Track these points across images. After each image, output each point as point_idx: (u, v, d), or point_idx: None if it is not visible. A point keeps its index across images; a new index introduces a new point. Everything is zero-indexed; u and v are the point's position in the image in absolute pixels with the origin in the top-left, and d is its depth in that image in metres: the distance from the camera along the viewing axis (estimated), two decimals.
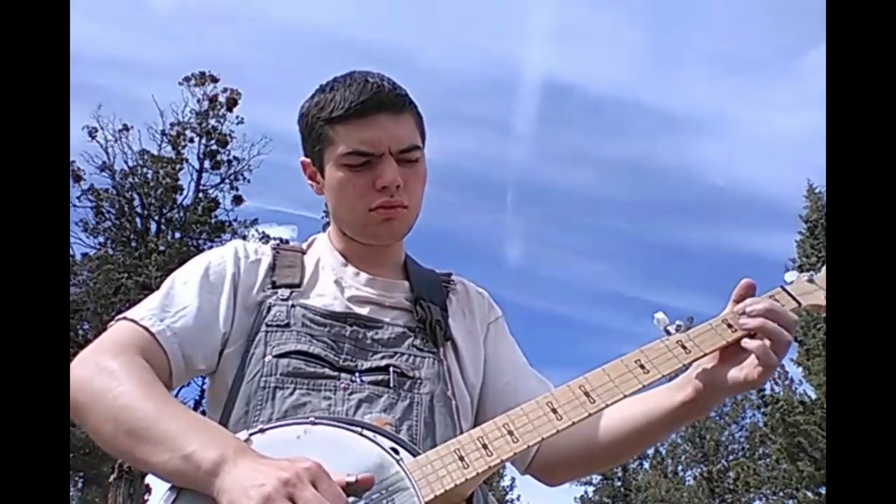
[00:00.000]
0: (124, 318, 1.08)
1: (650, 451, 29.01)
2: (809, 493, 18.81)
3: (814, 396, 18.04)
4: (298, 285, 1.17)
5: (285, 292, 1.15)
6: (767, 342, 1.00)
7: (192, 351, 1.07)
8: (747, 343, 1.01)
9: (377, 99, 1.12)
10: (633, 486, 30.30)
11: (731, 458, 26.77)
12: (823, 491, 17.39)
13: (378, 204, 1.14)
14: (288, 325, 1.10)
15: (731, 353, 1.04)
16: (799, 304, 1.08)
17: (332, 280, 1.19)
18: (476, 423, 1.14)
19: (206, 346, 1.09)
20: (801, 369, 18.28)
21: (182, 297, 1.11)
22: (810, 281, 1.11)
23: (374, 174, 1.12)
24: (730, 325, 1.05)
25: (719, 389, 1.04)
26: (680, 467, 29.47)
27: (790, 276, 1.11)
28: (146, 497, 0.91)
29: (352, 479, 0.84)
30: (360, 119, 1.11)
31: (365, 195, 1.14)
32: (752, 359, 1.01)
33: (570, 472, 1.22)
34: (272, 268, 1.19)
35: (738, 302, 1.07)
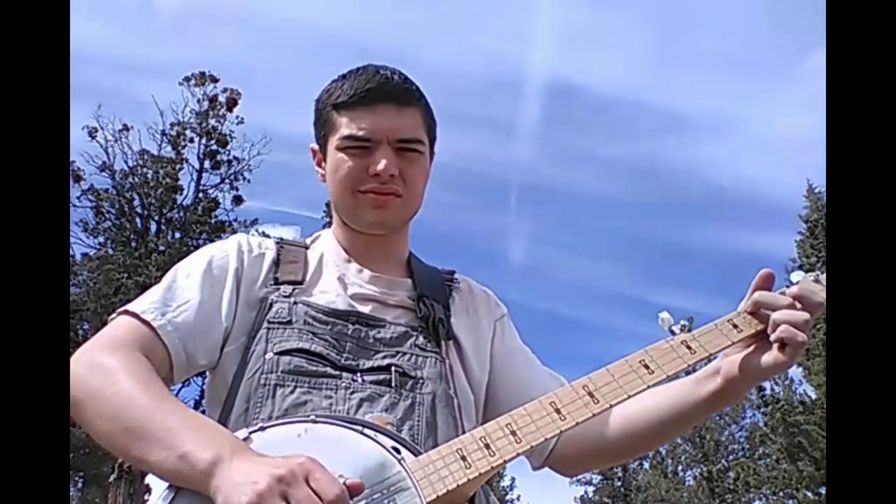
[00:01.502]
0: (125, 311, 1.07)
1: (650, 451, 29.01)
2: (809, 493, 18.80)
3: (814, 396, 18.03)
4: (301, 282, 1.17)
5: (288, 289, 1.15)
6: (791, 326, 1.00)
7: (193, 346, 1.06)
8: (774, 336, 1.01)
9: (383, 89, 1.14)
10: (633, 486, 30.28)
11: (731, 458, 26.76)
12: (823, 491, 17.38)
13: (368, 188, 1.15)
14: (290, 322, 1.09)
15: (755, 341, 1.05)
16: None
17: (336, 277, 1.19)
18: (485, 420, 1.14)
19: (207, 341, 1.08)
20: (801, 369, 18.27)
21: (184, 290, 1.10)
22: (816, 281, 1.10)
23: (369, 160, 1.15)
24: (735, 326, 1.04)
25: (750, 377, 1.04)
26: (680, 467, 29.47)
27: (796, 276, 1.10)
28: (146, 497, 0.91)
29: (341, 481, 0.82)
30: (364, 106, 1.14)
31: (357, 177, 1.16)
32: (775, 341, 1.01)
33: (592, 464, 1.24)
34: (275, 263, 1.19)
35: (756, 291, 1.07)
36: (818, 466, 17.47)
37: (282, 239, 1.27)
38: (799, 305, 1.03)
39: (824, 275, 1.11)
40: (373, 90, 1.14)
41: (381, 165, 1.13)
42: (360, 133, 1.14)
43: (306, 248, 1.25)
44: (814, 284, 1.10)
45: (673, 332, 1.05)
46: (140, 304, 1.07)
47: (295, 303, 1.12)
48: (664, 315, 1.06)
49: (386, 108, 1.14)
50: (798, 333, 0.99)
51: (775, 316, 1.02)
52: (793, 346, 0.99)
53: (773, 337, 1.01)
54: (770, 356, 1.01)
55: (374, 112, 1.14)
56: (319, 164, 1.24)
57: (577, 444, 1.17)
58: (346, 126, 1.16)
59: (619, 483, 30.69)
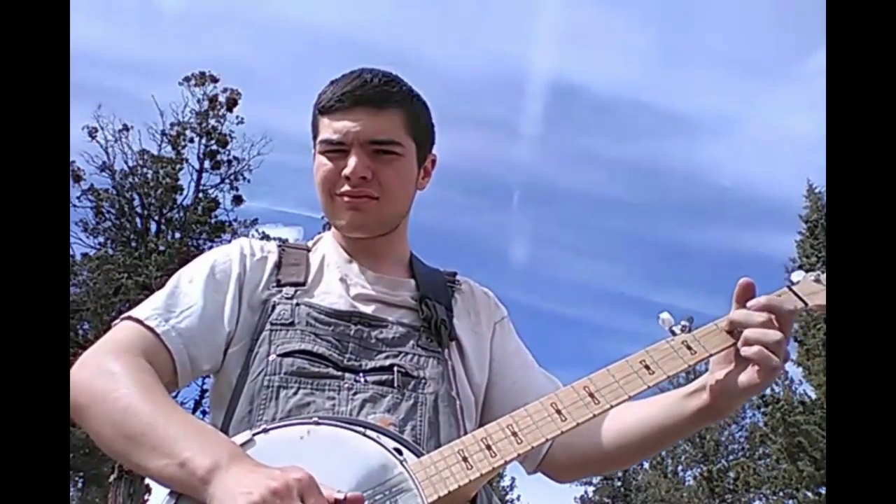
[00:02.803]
0: (129, 317, 1.08)
1: None
2: (809, 493, 18.80)
3: (814, 396, 18.03)
4: (303, 283, 1.17)
5: (290, 290, 1.15)
6: (764, 348, 0.98)
7: (196, 351, 1.07)
8: (745, 351, 0.99)
9: (357, 92, 1.15)
10: (633, 486, 30.30)
11: (731, 458, 26.75)
12: (823, 491, 17.38)
13: (343, 191, 1.16)
14: (292, 323, 1.10)
15: (741, 356, 1.03)
16: (805, 304, 1.07)
17: (338, 278, 1.19)
18: (483, 423, 1.14)
19: (210, 345, 1.08)
20: (801, 369, 18.26)
21: (187, 296, 1.11)
22: (817, 281, 1.09)
23: (343, 163, 1.15)
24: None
25: (734, 395, 1.02)
26: (680, 467, 29.45)
27: (797, 275, 1.10)
28: (146, 497, 0.91)
29: (340, 496, 0.82)
30: (340, 111, 1.16)
31: (332, 180, 1.17)
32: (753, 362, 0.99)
33: (582, 472, 1.23)
34: (277, 266, 1.19)
35: (739, 302, 1.05)
36: (818, 466, 17.47)
37: (284, 241, 1.28)
38: (773, 318, 1.00)
39: (825, 274, 1.11)
40: (348, 94, 1.15)
41: (349, 168, 1.14)
42: (334, 137, 1.15)
43: (308, 250, 1.26)
44: (814, 284, 1.09)
45: (674, 333, 1.04)
46: (143, 310, 1.08)
47: (297, 304, 1.12)
48: (665, 316, 1.06)
49: (360, 111, 1.15)
50: (771, 357, 0.97)
51: (747, 334, 0.99)
52: (765, 369, 0.98)
53: (744, 354, 0.99)
54: (746, 376, 1.00)
55: (348, 115, 1.15)
56: None
57: (568, 451, 1.17)
58: (323, 130, 1.17)
59: (619, 483, 30.71)
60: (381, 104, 1.16)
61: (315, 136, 1.21)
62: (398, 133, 1.17)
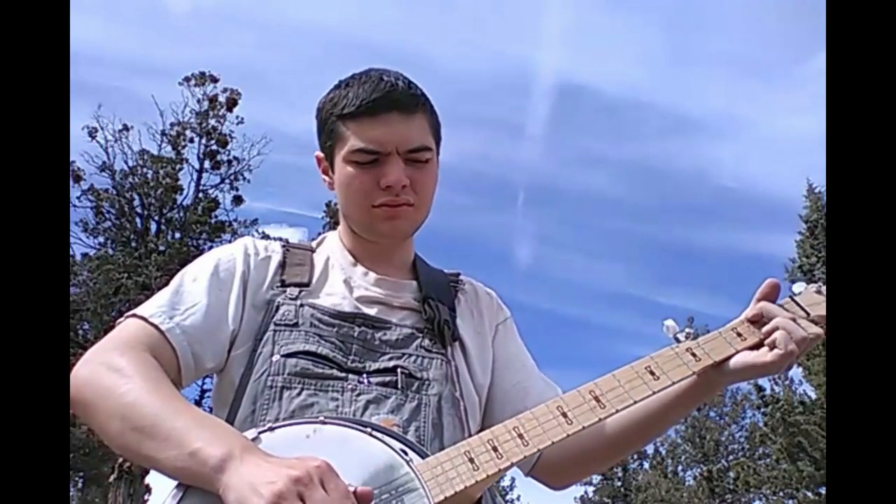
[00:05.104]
0: (133, 315, 1.08)
1: (650, 451, 29.06)
2: (809, 493, 18.79)
3: (814, 396, 18.02)
4: (307, 284, 1.17)
5: (294, 291, 1.15)
6: (786, 333, 1.03)
7: (200, 349, 1.07)
8: (770, 334, 1.04)
9: (389, 98, 1.12)
10: (633, 486, 30.28)
11: (731, 458, 26.76)
12: (823, 491, 17.37)
13: (382, 202, 1.14)
14: (296, 324, 1.10)
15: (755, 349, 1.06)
16: (807, 314, 1.10)
17: (342, 279, 1.19)
18: (483, 424, 1.14)
19: (214, 343, 1.08)
20: (801, 369, 18.26)
21: (192, 294, 1.10)
22: (818, 292, 1.12)
23: (380, 172, 1.13)
24: (739, 334, 1.06)
25: (731, 373, 1.06)
26: (680, 467, 29.46)
27: (798, 287, 1.12)
28: (146, 497, 0.91)
29: (351, 489, 0.83)
30: (371, 117, 1.12)
31: (369, 192, 1.14)
32: (768, 345, 1.04)
33: (577, 473, 1.23)
34: (282, 266, 1.19)
35: (761, 300, 1.09)
36: (818, 466, 17.46)
37: (287, 242, 1.27)
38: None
39: (825, 286, 1.13)
40: (379, 99, 1.11)
41: (392, 179, 1.11)
42: (370, 146, 1.11)
43: (312, 251, 1.25)
44: (815, 296, 1.11)
45: (678, 340, 1.06)
46: (148, 308, 1.08)
47: (301, 305, 1.12)
48: (669, 323, 1.07)
49: (393, 117, 1.12)
50: (790, 341, 1.02)
51: (778, 321, 1.04)
52: (782, 353, 1.01)
53: (766, 340, 1.03)
54: (754, 355, 1.04)
55: (381, 122, 1.11)
56: (326, 173, 1.23)
57: (561, 450, 1.16)
58: (353, 138, 1.13)
59: (619, 483, 30.68)
60: (412, 109, 1.14)
61: (332, 143, 1.17)
62: (427, 138, 1.16)
